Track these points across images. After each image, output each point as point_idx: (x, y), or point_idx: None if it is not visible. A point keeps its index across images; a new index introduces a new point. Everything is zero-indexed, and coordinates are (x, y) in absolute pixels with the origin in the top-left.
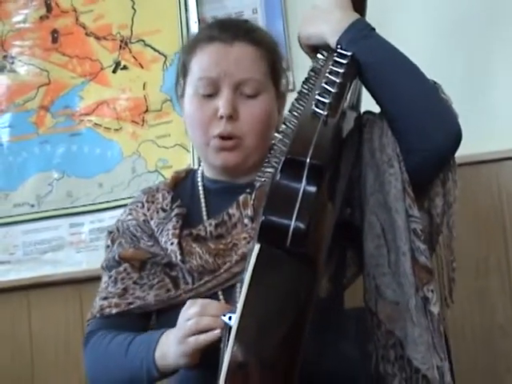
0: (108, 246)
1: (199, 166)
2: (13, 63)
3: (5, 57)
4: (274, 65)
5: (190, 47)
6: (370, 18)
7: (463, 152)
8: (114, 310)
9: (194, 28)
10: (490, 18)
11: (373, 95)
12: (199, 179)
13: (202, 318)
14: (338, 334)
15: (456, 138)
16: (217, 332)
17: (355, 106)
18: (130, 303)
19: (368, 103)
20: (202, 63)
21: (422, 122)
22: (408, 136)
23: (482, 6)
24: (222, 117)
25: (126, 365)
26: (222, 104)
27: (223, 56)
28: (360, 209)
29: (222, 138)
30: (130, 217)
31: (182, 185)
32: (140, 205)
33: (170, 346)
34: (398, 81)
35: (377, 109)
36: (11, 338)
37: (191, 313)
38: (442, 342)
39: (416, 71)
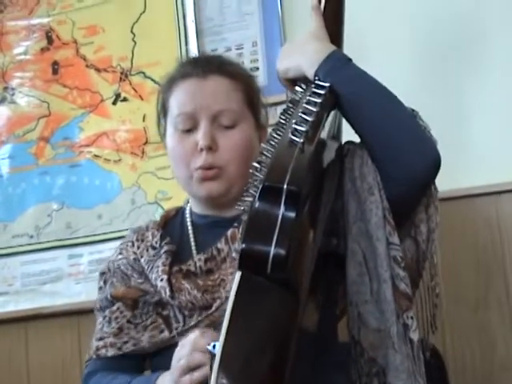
0: (100, 288)
1: (188, 203)
2: (13, 95)
3: (5, 88)
4: (250, 96)
5: (167, 87)
6: (347, 52)
7: (462, 185)
8: (110, 351)
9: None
10: (467, 53)
11: (351, 125)
12: (187, 215)
13: (193, 356)
14: (332, 365)
15: (435, 166)
16: (207, 368)
17: (336, 136)
18: (126, 342)
19: (350, 133)
20: (178, 100)
21: (400, 150)
22: (387, 165)
23: (460, 42)
24: (201, 149)
25: None
26: (200, 136)
27: (198, 90)
28: (344, 238)
29: (204, 169)
30: (120, 256)
31: (171, 223)
32: (130, 244)
33: None
34: (375, 110)
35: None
36: (8, 370)
37: (182, 353)
38: (422, 370)
39: (392, 99)
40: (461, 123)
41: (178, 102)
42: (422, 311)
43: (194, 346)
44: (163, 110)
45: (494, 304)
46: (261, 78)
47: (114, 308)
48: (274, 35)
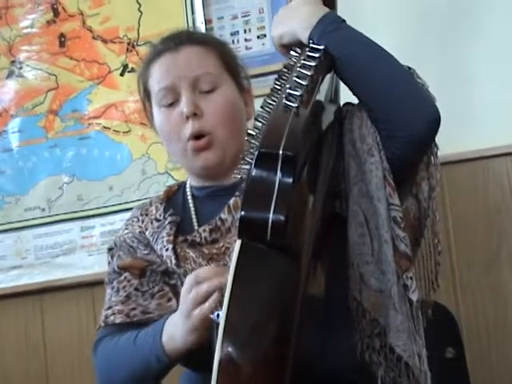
0: (109, 263)
1: (188, 178)
2: (21, 68)
3: (13, 62)
4: (225, 60)
5: (144, 70)
6: (341, 12)
7: (472, 147)
8: (118, 318)
9: (201, 28)
10: (468, 14)
11: (348, 87)
12: (188, 189)
13: (199, 287)
14: (343, 329)
15: (434, 122)
16: (215, 295)
17: (334, 99)
18: (133, 308)
19: (348, 95)
20: (156, 77)
21: (399, 108)
22: (386, 124)
23: (461, 1)
24: (187, 117)
25: (136, 356)
26: (183, 105)
27: (173, 63)
28: (346, 200)
29: (195, 138)
30: (126, 231)
31: (174, 197)
32: (135, 219)
33: (177, 326)
34: (371, 70)
35: (356, 100)
36: (25, 342)
37: (188, 286)
38: (421, 330)
39: (389, 59)
40: (467, 85)
41: (155, 79)
42: (425, 269)
43: (197, 278)
44: (146, 94)
45: (505, 264)
46: (267, 45)
47: (122, 278)
48: (281, 1)
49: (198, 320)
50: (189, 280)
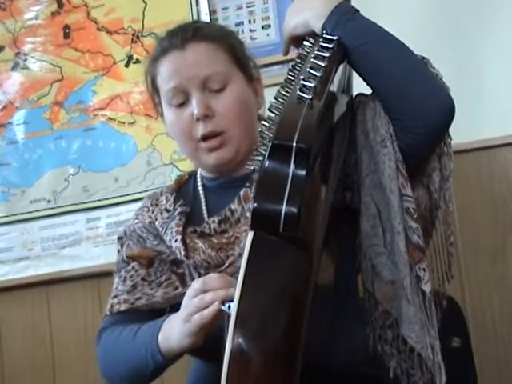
0: (118, 251)
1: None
2: (26, 60)
3: (17, 54)
4: (233, 53)
5: (151, 66)
6: (355, 2)
7: (478, 137)
8: (123, 306)
9: (206, 19)
10: (480, 4)
11: (362, 77)
12: (199, 179)
13: (206, 294)
14: (352, 317)
15: (449, 112)
16: (217, 304)
17: (346, 89)
18: (139, 298)
19: (360, 85)
20: (164, 77)
21: (413, 98)
22: (400, 114)
23: None
24: (198, 119)
25: (133, 353)
26: (194, 107)
27: (181, 62)
28: (358, 192)
29: (207, 138)
30: (136, 221)
31: (185, 187)
32: (146, 209)
33: (175, 327)
34: (385, 60)
35: (369, 90)
36: (32, 333)
37: (193, 292)
38: (434, 321)
39: (402, 48)
40: (475, 75)
41: (164, 79)
42: (437, 260)
43: (206, 285)
44: (154, 89)
45: (511, 254)
46: (272, 36)
47: (130, 267)
48: None
49: (196, 325)
50: (195, 285)
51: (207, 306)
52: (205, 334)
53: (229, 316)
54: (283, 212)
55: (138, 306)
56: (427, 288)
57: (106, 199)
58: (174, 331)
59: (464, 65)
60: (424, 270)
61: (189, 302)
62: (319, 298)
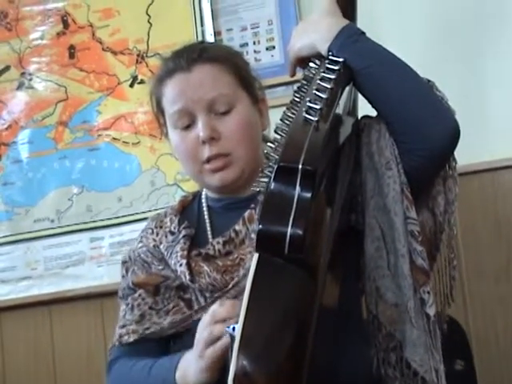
0: (123, 276)
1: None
2: (31, 80)
3: (23, 74)
4: (238, 74)
5: (156, 87)
6: (361, 24)
7: (482, 159)
8: (132, 337)
9: (211, 40)
10: (482, 23)
11: (367, 99)
12: (203, 200)
13: (214, 326)
14: (355, 338)
15: (454, 135)
16: (228, 335)
17: (352, 111)
18: (147, 328)
19: (366, 107)
20: (169, 99)
21: (418, 121)
22: (405, 136)
23: (478, 14)
24: (204, 141)
25: None
26: (200, 129)
27: (186, 84)
28: (362, 214)
29: (211, 159)
30: (140, 244)
31: (189, 208)
32: (150, 231)
33: (191, 364)
34: (390, 83)
35: (374, 112)
36: (34, 353)
37: (203, 324)
38: (438, 344)
39: (408, 71)
40: (479, 96)
41: (169, 101)
42: (440, 283)
43: (214, 318)
44: (159, 110)
45: None
46: (276, 57)
47: (136, 295)
48: (290, 13)
49: (210, 360)
50: (205, 318)
51: (217, 338)
52: (221, 366)
53: (233, 338)
54: (288, 234)
55: (146, 335)
56: (431, 311)
57: (110, 219)
58: (190, 368)
59: (468, 89)
60: (428, 292)
61: (200, 336)
62: (323, 319)
